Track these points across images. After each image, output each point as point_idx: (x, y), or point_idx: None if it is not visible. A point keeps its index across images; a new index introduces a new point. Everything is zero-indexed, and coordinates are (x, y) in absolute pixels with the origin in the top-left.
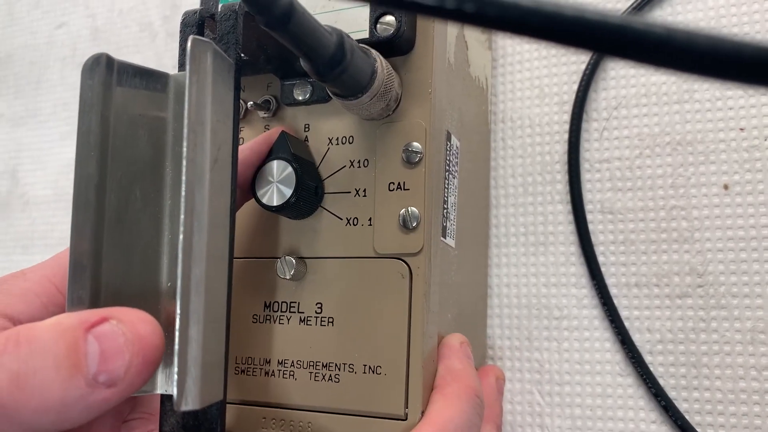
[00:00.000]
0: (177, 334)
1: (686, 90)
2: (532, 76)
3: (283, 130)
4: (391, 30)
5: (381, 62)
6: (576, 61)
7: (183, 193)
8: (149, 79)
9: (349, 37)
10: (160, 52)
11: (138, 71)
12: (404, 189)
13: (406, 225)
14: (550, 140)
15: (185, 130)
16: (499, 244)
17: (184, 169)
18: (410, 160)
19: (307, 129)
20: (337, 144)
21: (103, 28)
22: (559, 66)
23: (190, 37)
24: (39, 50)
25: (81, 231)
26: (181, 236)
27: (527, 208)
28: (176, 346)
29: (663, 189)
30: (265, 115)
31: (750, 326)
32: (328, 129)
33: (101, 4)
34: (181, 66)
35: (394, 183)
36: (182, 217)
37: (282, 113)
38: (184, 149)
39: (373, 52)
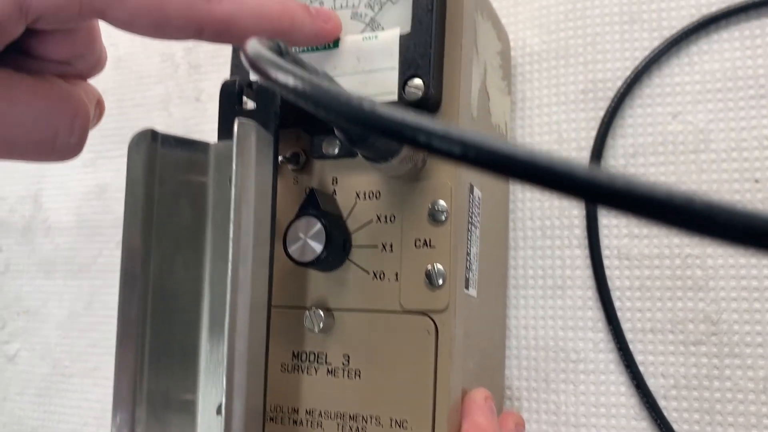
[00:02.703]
0: (223, 413)
1: (702, 140)
2: (550, 121)
3: (312, 188)
4: (420, 93)
5: None
6: (594, 107)
7: (229, 274)
8: (191, 148)
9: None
10: (181, 83)
11: (181, 142)
12: (430, 246)
13: (431, 282)
14: None
15: (231, 214)
16: (517, 285)
17: (230, 252)
18: (436, 218)
19: (335, 182)
20: (365, 199)
21: (126, 57)
22: (577, 112)
23: (236, 120)
24: None
25: (128, 303)
26: (227, 317)
27: (545, 252)
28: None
29: (678, 237)
30: (294, 168)
31: (763, 375)
32: (355, 183)
33: (123, 33)
34: (221, 136)
35: (420, 240)
36: (228, 297)
37: (310, 166)
38: (231, 233)
39: None
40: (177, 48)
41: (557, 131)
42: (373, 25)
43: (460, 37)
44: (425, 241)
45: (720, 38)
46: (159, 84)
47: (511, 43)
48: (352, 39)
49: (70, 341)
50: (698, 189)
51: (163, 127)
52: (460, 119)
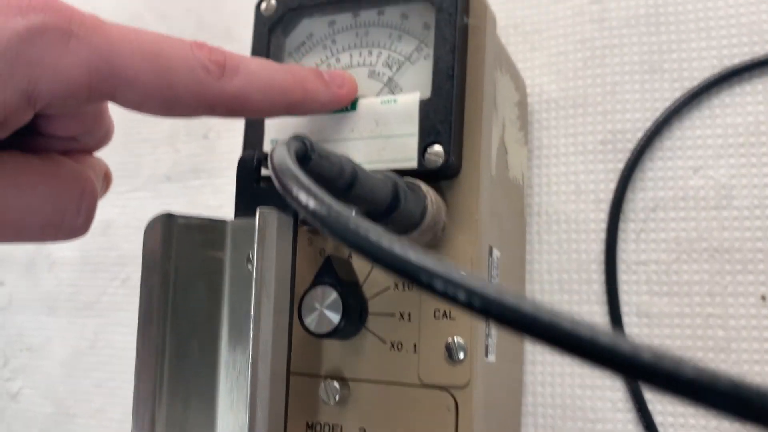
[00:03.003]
0: None
1: (724, 196)
2: (568, 171)
3: (328, 255)
4: (440, 161)
5: (431, 199)
6: (613, 159)
7: (249, 373)
8: (207, 226)
9: (401, 180)
10: (189, 120)
11: (197, 222)
12: (450, 318)
13: (451, 356)
14: (587, 238)
15: (252, 310)
16: None
17: (250, 350)
18: None
19: None
20: None
21: None
22: (595, 163)
23: (258, 210)
24: None
25: (143, 394)
26: (247, 419)
27: (563, 306)
28: None
29: (699, 296)
30: (309, 229)
31: None
32: None
33: None
34: (238, 212)
35: (439, 310)
36: (248, 400)
37: None
38: (251, 330)
39: (423, 187)
40: None
41: (575, 182)
42: (391, 85)
43: (481, 101)
44: (445, 312)
45: (743, 91)
46: (164, 121)
47: (528, 89)
48: (370, 102)
49: (74, 380)
50: (720, 247)
51: (169, 163)
52: (480, 182)
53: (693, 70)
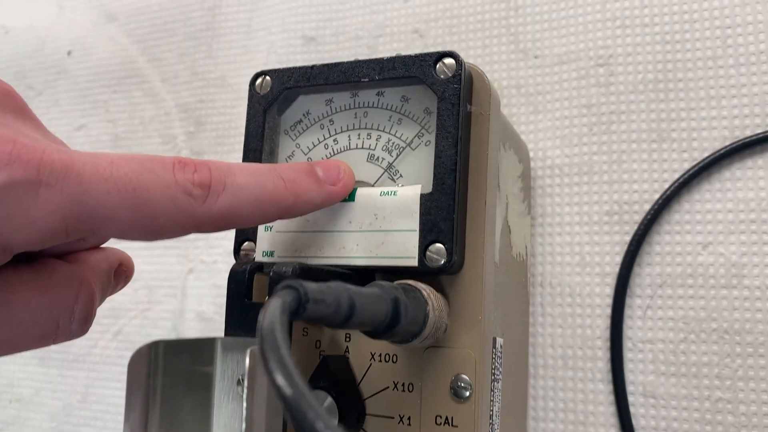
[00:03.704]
0: None
1: (734, 275)
2: (572, 242)
3: (325, 356)
4: (442, 261)
5: (432, 305)
6: (620, 231)
7: None
8: (196, 347)
9: (401, 293)
10: None
11: (185, 346)
12: (452, 425)
13: None
14: (592, 313)
15: None
16: (537, 417)
17: None
18: (459, 394)
19: (348, 339)
20: (380, 361)
21: (124, 135)
22: (601, 234)
23: (248, 351)
24: None
25: None
26: None
27: (567, 383)
28: None
29: (708, 378)
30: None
31: None
32: (370, 342)
33: (122, 109)
34: (228, 329)
35: (441, 416)
36: None
37: None
38: None
39: (424, 293)
40: (178, 131)
41: (580, 253)
42: (391, 171)
43: (485, 190)
44: (447, 419)
45: (754, 165)
46: None
47: (531, 153)
48: (368, 193)
49: None
50: (730, 328)
51: None
52: (484, 277)
53: (702, 140)
